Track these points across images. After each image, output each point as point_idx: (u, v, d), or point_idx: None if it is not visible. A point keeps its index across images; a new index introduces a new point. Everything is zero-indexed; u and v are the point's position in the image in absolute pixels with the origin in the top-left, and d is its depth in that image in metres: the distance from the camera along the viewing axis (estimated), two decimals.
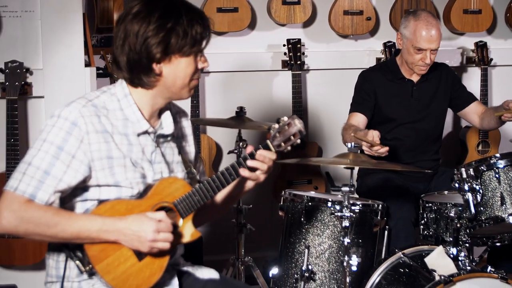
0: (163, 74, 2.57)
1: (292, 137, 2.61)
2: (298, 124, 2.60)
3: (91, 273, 2.53)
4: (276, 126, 2.62)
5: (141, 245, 2.50)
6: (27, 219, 2.43)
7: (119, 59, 2.58)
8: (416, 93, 4.39)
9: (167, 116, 2.69)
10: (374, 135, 3.77)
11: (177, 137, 2.80)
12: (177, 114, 2.81)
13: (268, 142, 2.61)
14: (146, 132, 2.63)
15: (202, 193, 2.60)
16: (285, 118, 2.62)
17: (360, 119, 4.31)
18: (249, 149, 2.63)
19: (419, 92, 4.40)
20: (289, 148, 2.63)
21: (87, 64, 4.05)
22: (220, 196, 2.81)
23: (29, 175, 2.46)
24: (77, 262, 2.52)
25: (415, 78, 4.39)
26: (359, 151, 3.42)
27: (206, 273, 2.81)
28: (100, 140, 2.52)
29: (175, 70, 2.57)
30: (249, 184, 2.73)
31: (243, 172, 2.61)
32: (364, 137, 3.77)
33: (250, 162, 2.61)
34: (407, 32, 4.25)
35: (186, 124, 2.87)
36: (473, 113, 4.47)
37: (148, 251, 2.52)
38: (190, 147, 2.86)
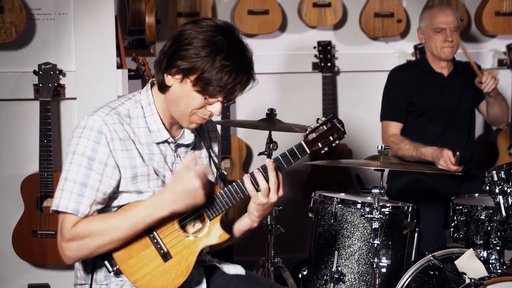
0: (171, 89, 2.54)
1: (330, 137, 2.55)
2: (337, 124, 2.56)
3: (118, 272, 2.53)
4: (313, 126, 2.57)
5: (196, 199, 2.46)
6: (82, 237, 2.45)
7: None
8: (447, 86, 4.40)
9: None
10: (450, 155, 3.95)
11: (208, 146, 2.78)
12: (205, 124, 2.76)
13: (303, 142, 2.56)
14: (166, 142, 2.62)
15: (230, 195, 2.55)
16: (323, 118, 2.57)
17: (398, 129, 4.35)
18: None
19: (450, 85, 4.41)
20: (326, 148, 2.57)
21: (119, 66, 4.08)
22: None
23: (68, 190, 2.47)
24: (105, 262, 2.52)
25: (445, 72, 4.40)
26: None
27: (232, 269, 2.79)
28: (123, 148, 2.52)
29: (182, 93, 2.52)
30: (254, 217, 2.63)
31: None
32: (435, 156, 4.05)
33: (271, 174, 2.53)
34: (424, 23, 4.42)
35: (213, 135, 2.84)
36: (484, 106, 4.55)
37: (204, 200, 2.48)
38: (215, 148, 2.83)
